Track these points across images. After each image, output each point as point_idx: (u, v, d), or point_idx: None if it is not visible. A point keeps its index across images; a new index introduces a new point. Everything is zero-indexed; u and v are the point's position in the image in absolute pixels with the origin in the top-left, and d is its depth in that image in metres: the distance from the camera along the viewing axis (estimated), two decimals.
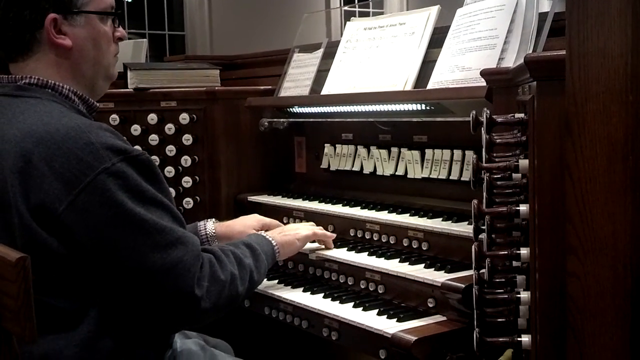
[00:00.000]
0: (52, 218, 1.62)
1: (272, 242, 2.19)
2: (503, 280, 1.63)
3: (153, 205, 1.70)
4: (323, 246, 2.45)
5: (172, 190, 2.95)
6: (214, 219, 2.44)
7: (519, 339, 1.55)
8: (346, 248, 2.42)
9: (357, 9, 8.90)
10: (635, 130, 1.25)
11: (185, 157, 3.01)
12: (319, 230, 2.43)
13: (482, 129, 1.62)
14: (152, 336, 1.82)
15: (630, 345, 1.29)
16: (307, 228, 2.40)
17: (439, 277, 2.02)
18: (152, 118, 3.01)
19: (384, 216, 2.44)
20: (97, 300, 1.70)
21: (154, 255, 1.68)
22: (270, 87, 3.10)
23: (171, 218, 1.74)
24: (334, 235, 2.47)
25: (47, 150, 1.63)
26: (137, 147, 2.78)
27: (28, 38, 1.81)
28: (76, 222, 1.63)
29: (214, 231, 2.37)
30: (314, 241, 2.44)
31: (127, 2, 7.53)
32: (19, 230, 1.63)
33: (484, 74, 2.01)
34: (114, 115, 3.02)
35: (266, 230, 2.36)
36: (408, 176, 2.53)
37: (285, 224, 2.69)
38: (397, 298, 2.17)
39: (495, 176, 1.62)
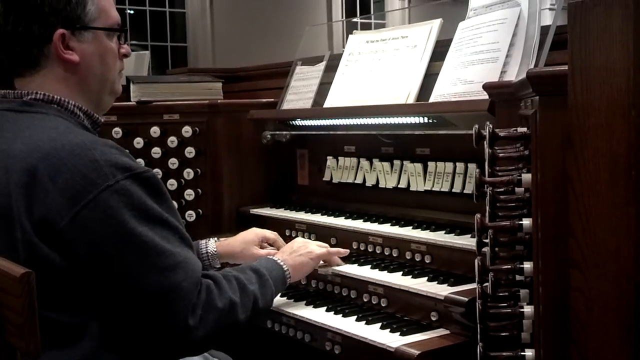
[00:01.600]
0: (54, 232, 1.62)
1: (284, 266, 2.13)
2: (506, 294, 1.63)
3: (158, 224, 1.69)
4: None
5: (174, 203, 2.96)
6: (215, 238, 2.42)
7: (522, 353, 1.54)
8: (349, 261, 2.41)
9: (359, 21, 8.94)
10: (638, 144, 1.26)
11: (188, 169, 3.02)
12: (333, 248, 2.40)
13: (485, 142, 1.63)
14: (154, 352, 1.80)
15: (633, 359, 1.29)
16: (319, 246, 2.35)
17: (441, 290, 2.02)
18: (155, 131, 3.02)
19: (387, 229, 2.43)
20: (99, 315, 1.69)
21: (152, 277, 1.66)
22: (272, 99, 3.11)
23: (178, 238, 1.72)
24: (347, 251, 2.44)
25: (51, 166, 1.63)
26: (140, 162, 2.81)
27: (36, 53, 1.81)
28: (77, 238, 1.62)
29: (215, 250, 2.35)
30: None
31: (129, 14, 7.56)
32: (22, 245, 1.62)
33: (487, 87, 2.01)
34: (117, 128, 3.02)
35: (271, 246, 2.37)
36: (410, 189, 2.53)
37: (287, 236, 2.70)
38: (400, 311, 2.17)
39: (498, 190, 1.62)
